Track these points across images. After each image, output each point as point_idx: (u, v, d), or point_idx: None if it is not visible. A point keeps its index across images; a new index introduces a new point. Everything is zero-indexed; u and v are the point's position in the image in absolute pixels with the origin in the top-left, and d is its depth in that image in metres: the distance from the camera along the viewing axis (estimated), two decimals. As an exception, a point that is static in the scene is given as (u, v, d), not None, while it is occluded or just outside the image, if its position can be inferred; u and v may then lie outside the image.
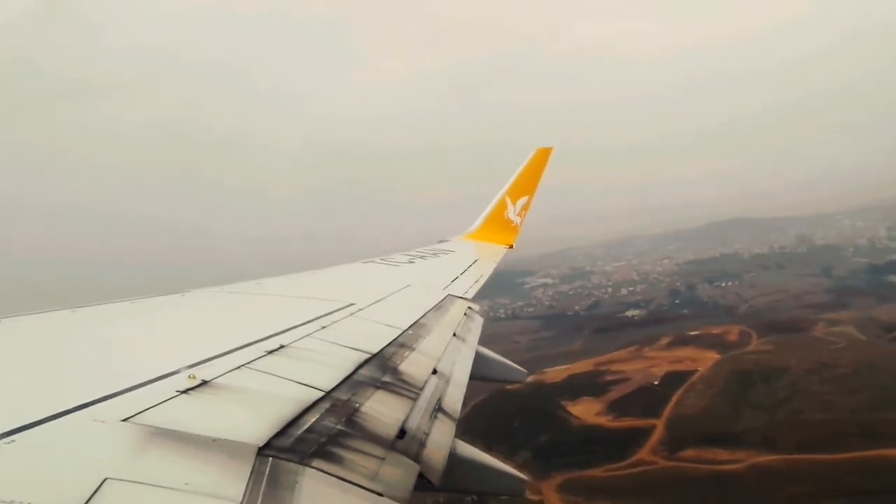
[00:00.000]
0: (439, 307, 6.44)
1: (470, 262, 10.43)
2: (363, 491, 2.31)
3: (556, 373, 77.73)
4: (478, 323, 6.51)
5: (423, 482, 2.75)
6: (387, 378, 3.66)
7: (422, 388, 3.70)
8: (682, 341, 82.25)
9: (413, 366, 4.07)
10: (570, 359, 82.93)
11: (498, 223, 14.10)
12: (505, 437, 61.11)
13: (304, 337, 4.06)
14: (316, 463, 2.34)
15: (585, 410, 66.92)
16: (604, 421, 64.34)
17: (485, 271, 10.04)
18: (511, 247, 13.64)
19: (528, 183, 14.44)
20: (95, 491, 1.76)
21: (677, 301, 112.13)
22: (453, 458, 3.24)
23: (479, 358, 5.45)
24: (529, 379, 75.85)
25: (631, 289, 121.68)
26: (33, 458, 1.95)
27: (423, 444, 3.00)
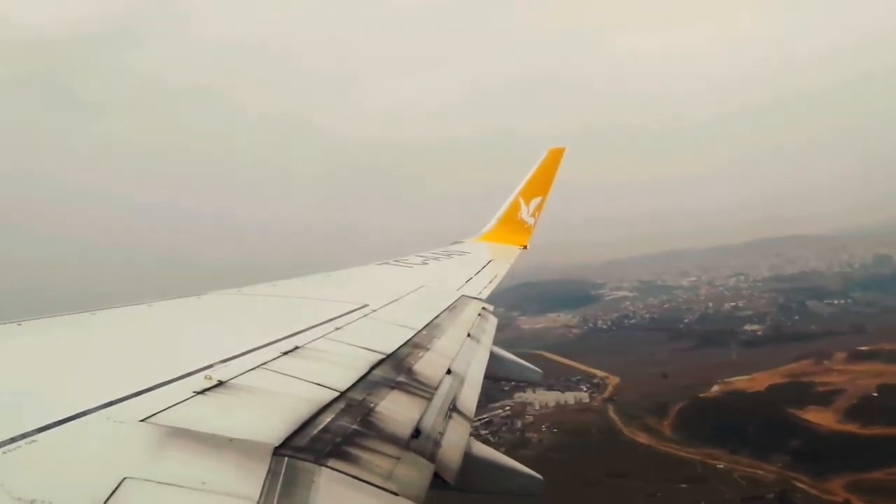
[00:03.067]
0: (453, 308, 6.44)
1: (484, 263, 10.42)
2: (378, 490, 2.31)
3: (745, 383, 78.67)
4: (492, 323, 6.50)
5: (438, 482, 2.76)
6: (401, 378, 3.67)
7: (436, 388, 3.70)
8: (861, 356, 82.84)
9: (427, 366, 4.07)
10: (738, 370, 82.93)
11: (511, 224, 14.07)
12: (745, 442, 63.21)
13: (318, 338, 4.08)
14: (331, 462, 2.34)
15: (821, 417, 68.22)
16: (852, 428, 65.69)
17: (499, 272, 10.03)
18: (525, 247, 13.60)
19: (541, 183, 14.40)
20: (115, 490, 1.79)
21: (797, 317, 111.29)
22: (468, 458, 3.23)
23: (493, 358, 5.45)
24: (716, 388, 76.72)
25: (733, 304, 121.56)
26: (54, 458, 1.98)
27: (438, 444, 3.00)
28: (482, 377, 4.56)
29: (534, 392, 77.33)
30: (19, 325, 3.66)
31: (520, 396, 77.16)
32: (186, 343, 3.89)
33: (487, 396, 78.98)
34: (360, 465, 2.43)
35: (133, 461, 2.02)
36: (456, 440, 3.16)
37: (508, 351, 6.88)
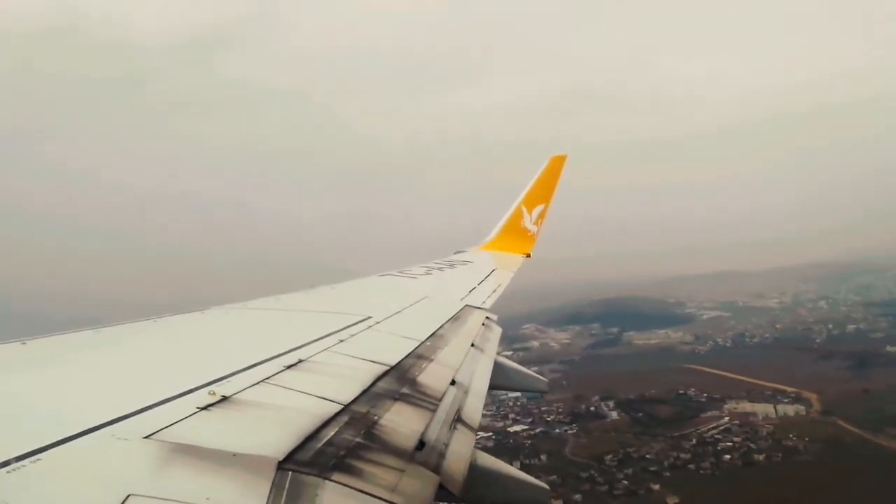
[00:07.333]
0: (457, 318, 6.44)
1: (487, 273, 10.42)
2: (383, 503, 2.31)
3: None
4: (496, 333, 6.49)
5: (443, 493, 2.75)
6: (405, 390, 3.66)
7: (440, 399, 3.69)
8: None
9: (431, 377, 4.07)
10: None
11: (514, 233, 14.06)
12: None
13: (322, 351, 4.08)
14: (336, 476, 2.34)
15: None
16: None
17: (503, 281, 10.02)
18: (528, 256, 13.58)
19: (543, 191, 14.41)
20: None
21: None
22: (474, 469, 3.22)
23: (497, 368, 5.44)
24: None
25: (854, 326, 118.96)
26: (59, 476, 1.98)
27: (442, 455, 2.99)
28: (487, 387, 4.55)
29: (737, 404, 77.18)
30: (24, 343, 3.68)
31: (734, 408, 76.80)
32: (190, 358, 3.90)
33: (693, 408, 78.40)
34: (364, 478, 2.43)
35: (138, 478, 2.02)
36: (461, 451, 3.15)
37: (516, 362, 6.87)
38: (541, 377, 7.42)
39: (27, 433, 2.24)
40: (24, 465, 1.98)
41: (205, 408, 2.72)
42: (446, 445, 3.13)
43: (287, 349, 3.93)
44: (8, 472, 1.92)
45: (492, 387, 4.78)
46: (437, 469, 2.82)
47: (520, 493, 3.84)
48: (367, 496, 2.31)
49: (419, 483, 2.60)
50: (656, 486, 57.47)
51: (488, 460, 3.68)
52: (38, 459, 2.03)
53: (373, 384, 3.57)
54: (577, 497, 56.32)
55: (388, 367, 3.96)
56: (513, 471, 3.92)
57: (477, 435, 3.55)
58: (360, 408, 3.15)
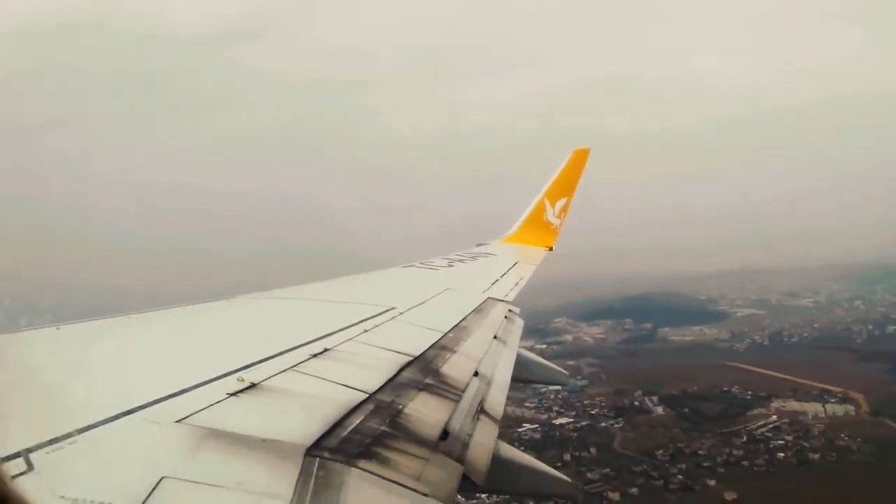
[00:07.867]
0: (480, 310, 6.45)
1: (510, 265, 10.40)
2: (408, 491, 2.33)
3: None
4: (518, 325, 6.49)
5: (467, 483, 2.76)
6: (429, 380, 3.68)
7: (464, 390, 3.71)
8: None
9: (455, 368, 4.09)
10: None
11: (537, 226, 14.00)
12: None
13: (347, 340, 4.12)
14: (361, 463, 2.37)
15: None
16: None
17: (525, 274, 9.99)
18: (551, 249, 13.51)
19: (566, 185, 14.30)
20: (153, 489, 1.84)
21: None
22: (497, 460, 3.23)
23: (520, 360, 5.44)
24: None
25: (894, 327, 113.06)
26: (94, 458, 2.04)
27: (466, 446, 3.01)
28: (509, 379, 4.56)
29: (784, 403, 75.84)
30: (58, 328, 3.78)
31: (781, 406, 75.33)
32: (219, 346, 3.96)
33: (738, 406, 76.62)
34: (389, 465, 2.46)
35: (170, 461, 2.07)
36: (484, 442, 3.17)
37: (542, 357, 6.86)
38: (562, 370, 7.40)
39: (62, 416, 2.30)
40: (61, 447, 2.03)
41: (234, 394, 2.78)
42: (470, 436, 3.14)
43: (313, 338, 3.97)
44: (46, 453, 1.98)
45: (514, 379, 4.78)
46: (460, 459, 2.83)
47: (543, 485, 3.85)
48: (393, 484, 2.33)
49: (443, 472, 2.62)
50: (712, 482, 56.80)
51: (512, 452, 3.69)
52: (74, 441, 2.09)
53: (397, 374, 3.60)
54: (634, 490, 56.05)
55: (411, 358, 3.99)
56: (537, 463, 3.93)
57: (499, 426, 3.56)
58: (385, 397, 3.18)
